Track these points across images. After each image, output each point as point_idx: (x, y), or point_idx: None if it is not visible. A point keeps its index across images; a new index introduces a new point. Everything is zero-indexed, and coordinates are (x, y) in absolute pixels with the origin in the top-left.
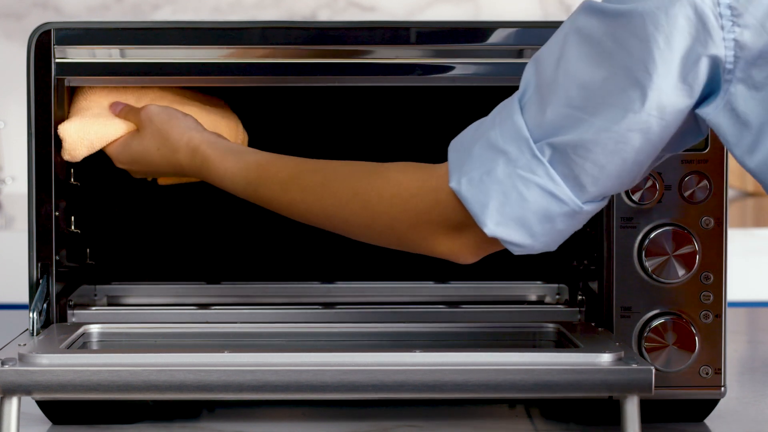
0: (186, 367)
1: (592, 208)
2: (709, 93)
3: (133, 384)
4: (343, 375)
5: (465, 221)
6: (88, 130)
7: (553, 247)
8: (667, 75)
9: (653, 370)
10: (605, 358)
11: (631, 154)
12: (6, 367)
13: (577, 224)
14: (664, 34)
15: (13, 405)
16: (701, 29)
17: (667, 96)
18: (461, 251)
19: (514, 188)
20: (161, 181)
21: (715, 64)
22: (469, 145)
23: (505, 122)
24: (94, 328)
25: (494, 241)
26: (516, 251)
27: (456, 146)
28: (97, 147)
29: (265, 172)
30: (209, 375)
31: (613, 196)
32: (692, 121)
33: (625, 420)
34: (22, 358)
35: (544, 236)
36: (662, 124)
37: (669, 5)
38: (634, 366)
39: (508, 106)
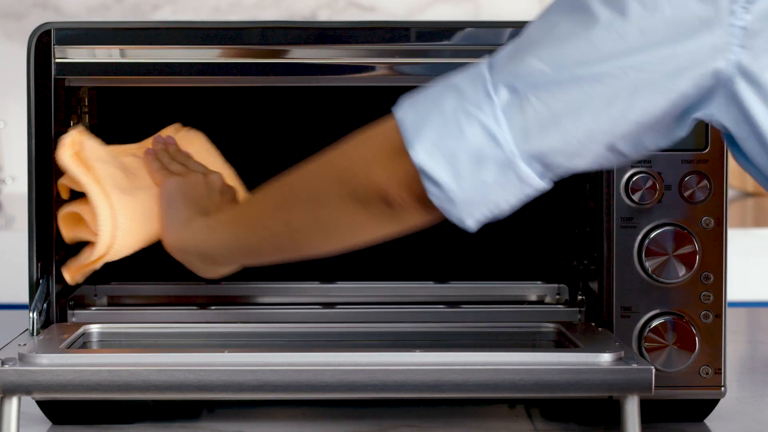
0: (186, 367)
1: (525, 169)
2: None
3: (133, 384)
4: (343, 375)
5: (401, 147)
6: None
7: (470, 213)
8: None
9: (653, 370)
10: (605, 358)
11: (587, 116)
12: (6, 367)
13: (506, 183)
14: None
15: (13, 405)
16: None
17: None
18: (390, 183)
19: (456, 122)
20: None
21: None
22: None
23: (469, 67)
24: (94, 328)
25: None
26: (434, 195)
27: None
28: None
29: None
30: (209, 375)
31: (612, 196)
32: (672, 118)
33: (625, 420)
34: (22, 358)
35: (469, 182)
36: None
37: None
38: (634, 366)
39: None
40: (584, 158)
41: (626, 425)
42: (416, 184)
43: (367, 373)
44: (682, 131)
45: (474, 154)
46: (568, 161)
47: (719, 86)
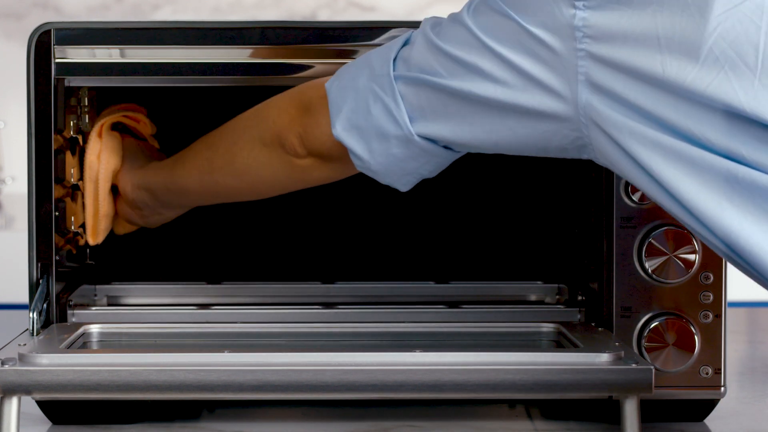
0: (186, 367)
1: (425, 144)
2: None
3: (133, 384)
4: (343, 375)
5: (307, 104)
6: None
7: (397, 180)
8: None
9: (653, 370)
10: (605, 358)
11: (470, 128)
12: (6, 367)
13: (417, 156)
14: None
15: (13, 405)
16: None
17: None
18: (288, 131)
19: (365, 100)
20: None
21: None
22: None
23: (392, 41)
24: (94, 328)
25: (328, 145)
26: (357, 165)
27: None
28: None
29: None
30: (209, 375)
31: (612, 196)
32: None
33: (625, 420)
34: (22, 358)
35: (381, 156)
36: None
37: None
38: (634, 366)
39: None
40: (482, 150)
41: (626, 425)
42: (311, 140)
43: (367, 373)
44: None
45: (379, 131)
46: (469, 148)
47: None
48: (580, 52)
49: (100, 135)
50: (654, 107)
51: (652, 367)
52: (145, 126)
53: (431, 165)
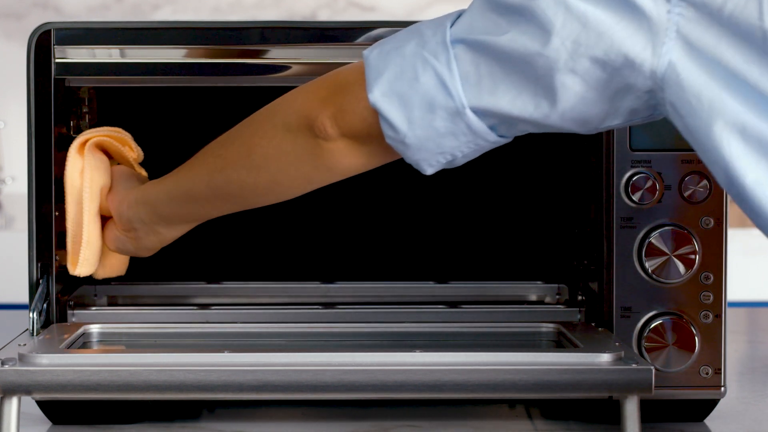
0: (186, 367)
1: (476, 122)
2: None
3: (133, 384)
4: (343, 375)
5: (344, 83)
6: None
7: (427, 158)
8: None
9: (653, 370)
10: (605, 358)
11: (531, 80)
12: (6, 367)
13: (458, 133)
14: None
15: (13, 405)
16: None
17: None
18: (319, 110)
19: (413, 66)
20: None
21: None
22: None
23: (437, 17)
24: (94, 328)
25: (367, 121)
26: (389, 137)
27: None
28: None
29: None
30: (209, 375)
31: (612, 196)
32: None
33: (625, 420)
34: (22, 358)
35: (421, 129)
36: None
37: None
38: (634, 366)
39: None
40: (536, 126)
41: (626, 425)
42: (345, 117)
43: (367, 373)
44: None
45: (426, 100)
46: (524, 124)
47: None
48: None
49: (81, 152)
50: (748, 71)
51: (652, 367)
52: (131, 151)
53: (469, 148)
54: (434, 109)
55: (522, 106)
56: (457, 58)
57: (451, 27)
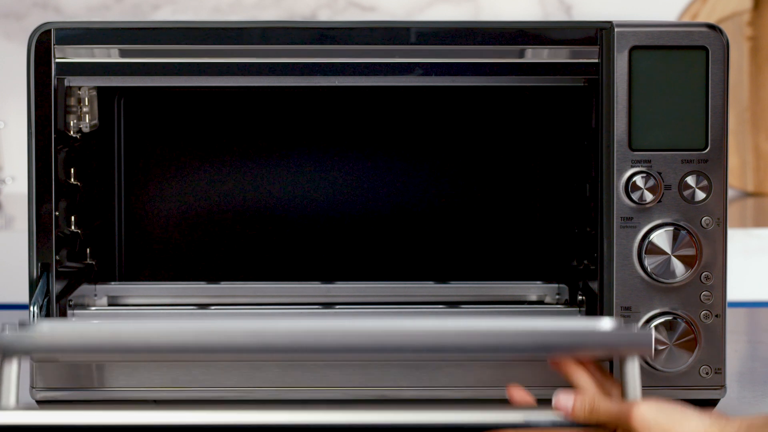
0: (186, 330)
1: None
2: None
3: (133, 346)
4: (343, 337)
5: None
6: None
7: None
8: None
9: (653, 335)
10: (606, 324)
11: None
12: (6, 331)
13: None
14: None
15: (12, 367)
16: None
17: None
18: None
19: None
20: None
21: None
22: None
23: None
24: None
25: None
26: None
27: None
28: None
29: None
30: (209, 336)
31: (612, 196)
32: None
33: (625, 380)
34: (22, 323)
35: None
36: None
37: None
38: (634, 330)
39: None
40: None
41: (627, 385)
42: None
43: (369, 335)
44: None
45: None
46: None
47: None
48: None
49: None
50: None
51: (652, 332)
52: None
53: None
54: None
55: None
56: None
57: None
